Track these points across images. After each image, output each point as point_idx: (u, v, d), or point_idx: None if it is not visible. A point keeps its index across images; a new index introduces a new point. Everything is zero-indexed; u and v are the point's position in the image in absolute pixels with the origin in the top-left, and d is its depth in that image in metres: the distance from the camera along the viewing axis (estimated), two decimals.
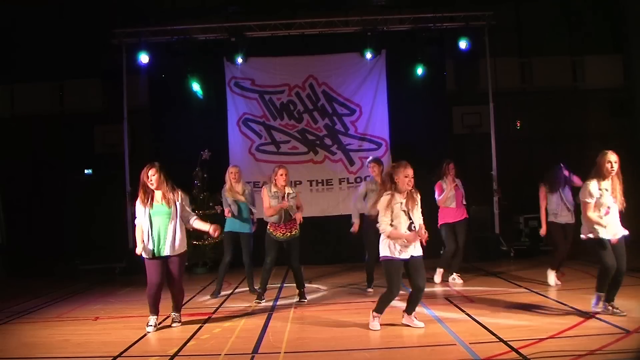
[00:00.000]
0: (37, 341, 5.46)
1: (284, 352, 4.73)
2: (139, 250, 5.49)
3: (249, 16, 11.09)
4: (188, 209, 5.66)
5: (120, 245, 10.39)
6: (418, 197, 5.22)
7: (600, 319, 5.25)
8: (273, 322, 5.87)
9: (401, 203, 5.09)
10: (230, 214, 7.29)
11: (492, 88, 11.18)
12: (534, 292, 6.89)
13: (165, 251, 5.46)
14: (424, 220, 5.27)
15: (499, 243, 10.55)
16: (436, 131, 10.92)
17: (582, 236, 5.45)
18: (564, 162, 7.50)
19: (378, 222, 5.17)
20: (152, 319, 5.66)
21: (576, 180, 7.14)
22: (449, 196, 7.83)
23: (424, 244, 5.16)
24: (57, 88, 12.44)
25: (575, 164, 7.42)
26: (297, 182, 10.72)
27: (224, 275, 7.50)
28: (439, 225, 7.86)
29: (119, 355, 4.79)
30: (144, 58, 10.52)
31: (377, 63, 10.92)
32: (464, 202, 8.04)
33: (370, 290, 7.46)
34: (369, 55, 10.72)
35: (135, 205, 5.59)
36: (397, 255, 5.09)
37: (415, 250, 5.15)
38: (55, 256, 11.01)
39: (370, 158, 7.64)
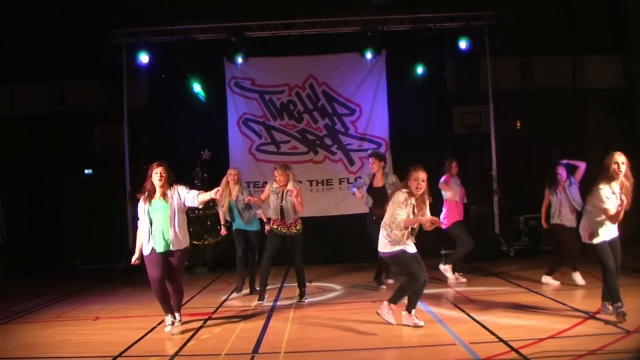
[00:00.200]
0: (37, 341, 5.46)
1: (284, 352, 4.73)
2: (135, 257, 5.45)
3: (249, 16, 11.09)
4: (186, 190, 5.58)
5: (120, 245, 10.39)
6: (427, 203, 5.25)
7: (600, 319, 5.25)
8: (273, 322, 5.87)
9: (413, 205, 5.17)
10: (225, 231, 7.54)
11: (492, 88, 11.18)
12: (534, 292, 6.89)
13: (167, 246, 5.41)
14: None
15: (499, 243, 10.54)
16: (436, 131, 10.92)
17: (586, 241, 5.35)
18: (562, 160, 7.50)
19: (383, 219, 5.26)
20: (169, 319, 5.60)
21: (579, 164, 7.25)
22: (454, 188, 7.91)
23: (439, 225, 5.30)
24: (57, 88, 12.45)
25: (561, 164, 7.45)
26: (299, 182, 10.70)
27: (244, 270, 7.53)
28: (448, 224, 7.85)
29: (119, 355, 4.79)
30: (144, 58, 10.52)
31: (377, 63, 10.91)
32: (465, 201, 8.10)
33: (390, 280, 7.61)
34: (369, 55, 10.72)
35: (137, 206, 5.55)
36: (406, 248, 5.22)
37: (413, 247, 5.31)
38: (55, 256, 11.00)
39: (371, 152, 7.70)
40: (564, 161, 7.43)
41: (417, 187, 5.13)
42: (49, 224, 11.58)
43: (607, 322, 5.08)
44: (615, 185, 5.11)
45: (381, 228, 5.38)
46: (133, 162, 10.83)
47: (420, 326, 5.27)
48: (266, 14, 11.25)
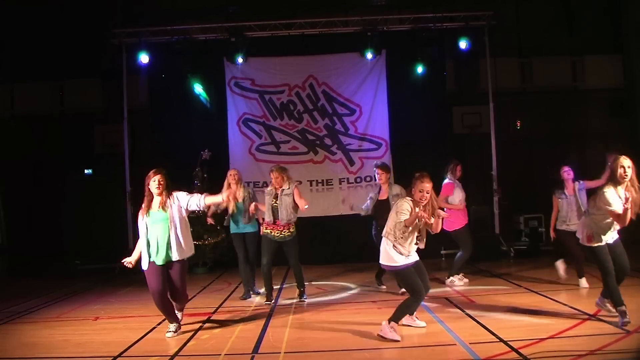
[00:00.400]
0: (37, 341, 5.46)
1: (284, 352, 4.73)
2: (127, 259, 5.29)
3: (249, 16, 11.09)
4: (187, 196, 5.36)
5: (120, 245, 10.38)
6: (436, 211, 5.11)
7: (600, 319, 5.25)
8: (273, 322, 5.87)
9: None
10: (212, 221, 7.58)
11: (492, 88, 11.18)
12: (534, 292, 6.89)
13: (167, 258, 5.24)
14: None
15: (499, 243, 10.54)
16: (436, 131, 10.91)
17: (584, 243, 5.25)
18: (567, 163, 7.31)
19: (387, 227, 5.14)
20: (172, 326, 5.44)
21: (590, 184, 6.86)
22: (458, 195, 7.75)
23: (443, 216, 5.17)
24: (57, 88, 12.45)
25: (575, 164, 7.39)
26: (297, 182, 10.70)
27: (246, 274, 7.37)
28: (455, 228, 7.60)
29: (119, 355, 4.79)
30: (144, 58, 10.52)
31: (377, 63, 10.91)
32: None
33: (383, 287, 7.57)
34: (369, 55, 10.72)
35: (137, 214, 5.39)
36: (407, 261, 5.07)
37: (415, 255, 5.18)
38: (55, 256, 11.01)
39: (377, 162, 7.53)
40: (569, 175, 7.12)
41: (421, 199, 4.99)
42: (49, 224, 11.58)
43: (607, 322, 5.07)
44: (621, 190, 4.97)
45: (383, 238, 5.19)
46: (133, 162, 10.84)
47: (422, 327, 5.26)
48: (266, 14, 11.25)
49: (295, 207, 6.81)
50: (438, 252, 10.16)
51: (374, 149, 10.91)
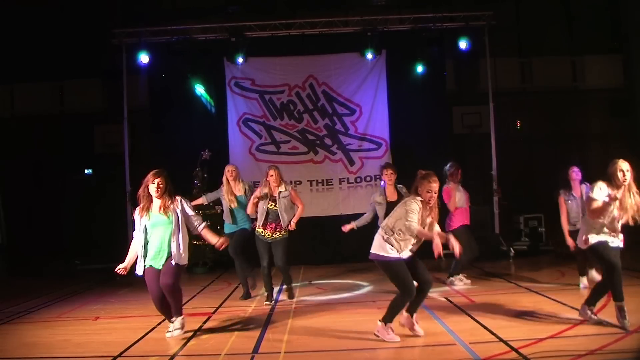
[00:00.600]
0: (37, 341, 5.46)
1: (284, 352, 4.72)
2: (121, 266, 5.13)
3: (249, 16, 11.10)
4: (193, 213, 5.29)
5: (120, 245, 10.35)
6: (437, 214, 4.97)
7: (600, 319, 5.24)
8: (273, 322, 5.87)
9: (422, 215, 4.88)
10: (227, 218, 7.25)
11: (492, 88, 11.19)
12: (534, 292, 6.88)
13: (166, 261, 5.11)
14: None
15: (499, 243, 10.55)
16: (436, 131, 10.92)
17: (582, 247, 5.10)
18: (574, 163, 7.16)
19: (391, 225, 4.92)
20: (177, 322, 5.27)
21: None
22: (458, 198, 7.67)
23: (453, 251, 4.85)
24: (57, 88, 12.46)
25: (575, 164, 7.35)
26: (297, 182, 10.72)
27: (245, 275, 7.30)
28: (453, 228, 7.49)
29: (119, 355, 4.79)
30: (144, 58, 10.53)
31: (377, 63, 10.92)
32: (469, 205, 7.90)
33: None
34: (369, 55, 10.73)
35: (134, 215, 5.25)
36: (402, 255, 4.90)
37: (409, 252, 4.99)
38: (55, 256, 11.01)
39: (386, 163, 7.46)
40: (578, 176, 6.93)
41: (429, 199, 4.82)
42: (49, 224, 11.58)
43: (607, 322, 5.06)
44: (618, 193, 4.86)
45: (380, 229, 5.07)
46: (133, 162, 10.85)
47: (419, 335, 4.99)
48: (266, 14, 11.27)
49: (292, 208, 6.78)
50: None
51: (374, 149, 10.91)
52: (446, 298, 6.79)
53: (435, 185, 4.83)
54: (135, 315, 6.54)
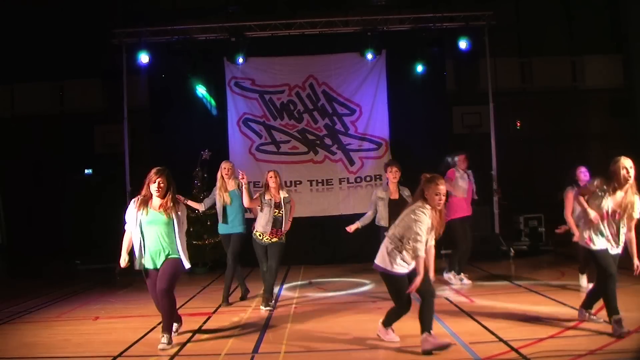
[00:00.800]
0: (37, 341, 5.46)
1: (284, 352, 4.73)
2: (124, 261, 5.03)
3: (249, 16, 11.10)
4: (184, 226, 5.08)
5: (120, 246, 10.36)
6: (442, 224, 4.70)
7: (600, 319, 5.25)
8: (273, 322, 5.87)
9: (431, 224, 4.62)
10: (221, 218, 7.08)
11: (492, 88, 11.18)
12: (533, 292, 6.89)
13: (164, 260, 4.96)
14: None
15: (499, 243, 10.55)
16: (436, 131, 10.91)
17: (584, 244, 5.02)
18: (581, 164, 7.01)
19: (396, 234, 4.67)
20: (173, 326, 5.21)
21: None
22: (460, 184, 7.61)
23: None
24: (57, 88, 12.47)
25: (575, 164, 7.33)
26: (297, 182, 10.72)
27: (235, 278, 7.16)
28: (449, 219, 7.09)
29: (119, 355, 4.79)
30: (144, 58, 10.52)
31: (377, 63, 10.91)
32: (475, 197, 7.84)
33: None
34: (369, 55, 10.72)
35: (127, 207, 5.04)
36: (405, 271, 4.68)
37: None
38: (55, 256, 11.01)
39: (390, 160, 7.36)
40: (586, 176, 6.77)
41: (438, 202, 4.56)
42: (49, 224, 11.59)
43: (607, 322, 5.06)
44: (620, 194, 4.80)
45: (387, 238, 4.75)
46: (133, 162, 10.85)
47: (395, 341, 4.87)
48: (266, 14, 11.27)
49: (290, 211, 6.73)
50: (438, 251, 10.15)
51: (374, 148, 10.91)
52: (446, 298, 6.79)
53: (443, 188, 4.59)
54: (135, 315, 6.54)
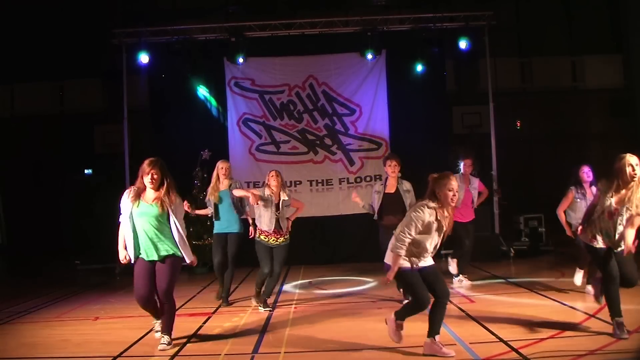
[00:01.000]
0: (37, 341, 5.46)
1: (284, 352, 4.73)
2: (123, 257, 4.95)
3: (249, 16, 11.11)
4: (181, 221, 4.93)
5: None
6: (450, 226, 4.58)
7: (600, 319, 5.24)
8: (273, 322, 5.87)
9: (439, 221, 4.47)
10: (212, 216, 6.99)
11: (492, 88, 11.18)
12: (534, 292, 6.88)
13: (159, 255, 4.83)
14: None
15: (499, 243, 10.54)
16: (436, 131, 10.91)
17: (586, 241, 4.94)
18: (586, 163, 6.85)
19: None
20: (158, 324, 5.17)
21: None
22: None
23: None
24: (57, 88, 12.49)
25: (575, 164, 7.31)
26: (297, 182, 10.72)
27: (222, 277, 7.05)
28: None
29: (119, 355, 4.79)
30: (144, 58, 10.52)
31: (377, 63, 10.91)
32: (473, 206, 7.71)
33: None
34: (369, 55, 10.71)
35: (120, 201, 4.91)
36: (421, 264, 4.56)
37: (430, 260, 4.65)
38: (55, 256, 11.01)
39: (389, 154, 7.32)
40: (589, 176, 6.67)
41: (452, 198, 4.41)
42: (49, 224, 11.60)
43: (607, 322, 5.06)
44: (624, 191, 4.69)
45: (393, 236, 4.62)
46: (133, 162, 10.82)
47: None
48: (266, 14, 11.29)
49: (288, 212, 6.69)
50: (438, 252, 10.14)
51: (374, 148, 10.91)
52: None
53: (455, 183, 4.43)
54: (135, 315, 6.53)
